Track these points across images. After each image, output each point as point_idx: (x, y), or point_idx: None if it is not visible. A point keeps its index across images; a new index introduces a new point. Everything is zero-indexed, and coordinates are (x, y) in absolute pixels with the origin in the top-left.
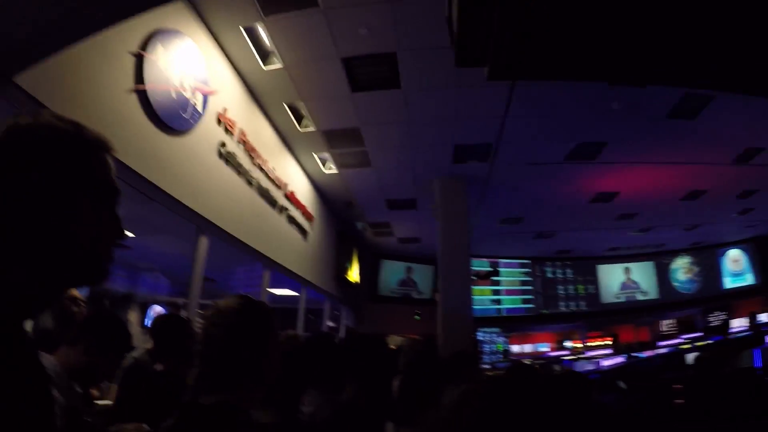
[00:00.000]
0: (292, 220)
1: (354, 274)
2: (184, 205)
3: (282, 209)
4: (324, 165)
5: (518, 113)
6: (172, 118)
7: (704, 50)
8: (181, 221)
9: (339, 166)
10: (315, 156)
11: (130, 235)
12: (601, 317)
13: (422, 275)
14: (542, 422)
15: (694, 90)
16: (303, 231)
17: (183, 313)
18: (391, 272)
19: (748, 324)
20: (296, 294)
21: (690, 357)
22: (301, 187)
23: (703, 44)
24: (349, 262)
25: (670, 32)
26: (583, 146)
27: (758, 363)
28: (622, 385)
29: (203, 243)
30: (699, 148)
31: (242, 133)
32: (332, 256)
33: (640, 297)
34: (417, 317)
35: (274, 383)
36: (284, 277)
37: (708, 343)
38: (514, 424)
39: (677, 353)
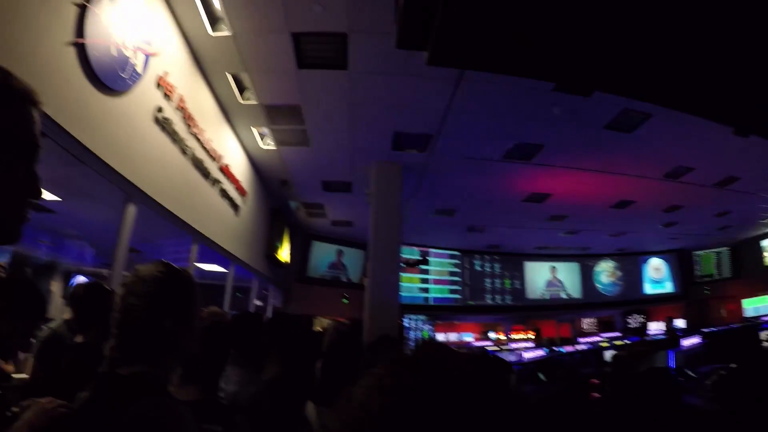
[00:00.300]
0: (224, 194)
1: (284, 254)
2: (113, 169)
3: (215, 182)
4: (262, 140)
5: (461, 107)
6: (110, 77)
7: (652, 64)
8: (110, 187)
9: (277, 142)
10: (254, 130)
11: (56, 198)
12: (526, 312)
13: (352, 259)
14: (454, 408)
15: (633, 105)
16: (235, 206)
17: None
18: (322, 254)
19: (664, 328)
20: (224, 270)
21: (608, 354)
22: (236, 160)
23: (652, 58)
24: (280, 241)
25: (620, 40)
26: (520, 146)
27: (672, 363)
28: (542, 377)
29: (131, 211)
30: (632, 161)
31: (181, 100)
32: (263, 233)
33: (563, 295)
34: (345, 300)
35: (196, 359)
36: (213, 252)
37: (626, 343)
38: (425, 411)
39: (596, 350)
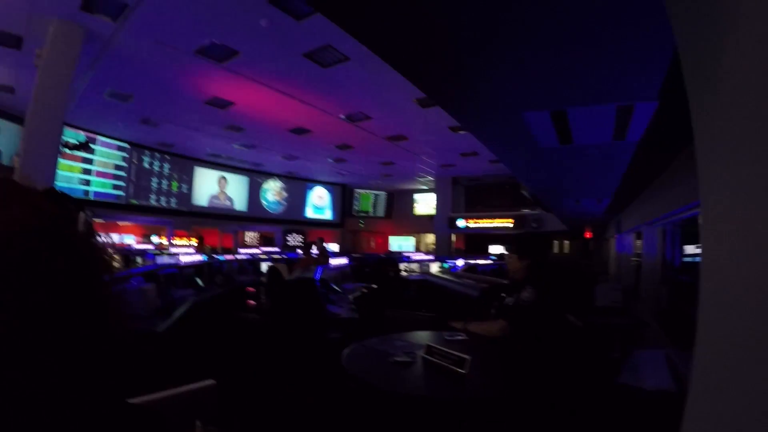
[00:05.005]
0: None
1: None
2: None
3: None
4: None
5: None
6: None
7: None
8: None
9: None
10: None
11: None
12: (191, 218)
13: (7, 136)
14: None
15: (337, 45)
16: None
17: None
18: None
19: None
20: None
21: (264, 266)
22: None
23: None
24: None
25: None
26: (217, 46)
27: (317, 276)
28: (199, 282)
29: None
30: (319, 94)
31: None
32: None
33: (229, 205)
34: None
35: None
36: None
37: (283, 257)
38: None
39: (255, 261)
